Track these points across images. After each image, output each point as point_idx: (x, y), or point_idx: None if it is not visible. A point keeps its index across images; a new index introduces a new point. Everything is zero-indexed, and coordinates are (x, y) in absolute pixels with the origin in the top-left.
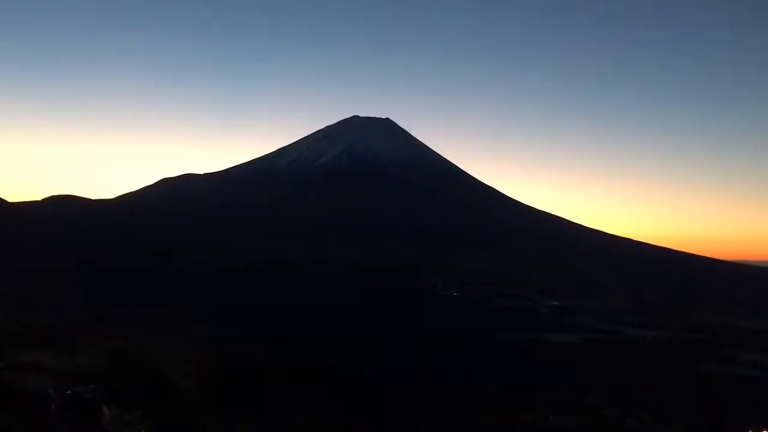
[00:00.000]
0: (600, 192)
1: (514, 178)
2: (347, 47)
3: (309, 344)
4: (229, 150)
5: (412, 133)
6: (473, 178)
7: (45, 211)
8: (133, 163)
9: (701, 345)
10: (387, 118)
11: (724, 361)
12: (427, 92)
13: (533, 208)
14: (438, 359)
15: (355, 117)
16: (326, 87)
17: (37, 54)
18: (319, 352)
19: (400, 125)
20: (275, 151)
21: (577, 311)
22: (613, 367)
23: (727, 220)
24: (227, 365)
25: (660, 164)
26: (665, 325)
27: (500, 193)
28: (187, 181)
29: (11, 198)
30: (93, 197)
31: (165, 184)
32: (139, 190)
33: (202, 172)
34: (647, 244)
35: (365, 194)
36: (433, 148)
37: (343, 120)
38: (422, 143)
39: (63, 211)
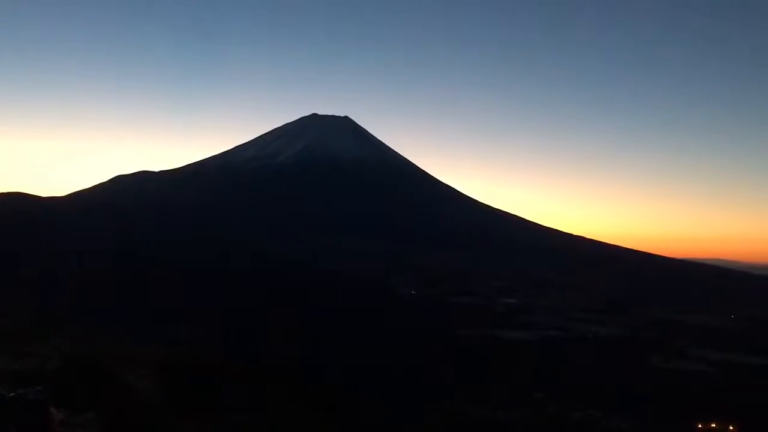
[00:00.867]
0: (557, 191)
1: (472, 176)
2: (306, 45)
3: (269, 343)
4: (186, 148)
5: (371, 132)
6: (431, 176)
7: None
8: (85, 160)
9: (652, 341)
10: (346, 117)
11: (675, 356)
12: (385, 91)
13: (491, 207)
14: (395, 358)
15: (314, 115)
16: (285, 85)
17: None
18: (279, 352)
19: (359, 123)
20: (233, 149)
21: (532, 309)
22: (566, 364)
23: (678, 220)
24: (184, 365)
25: (613, 163)
26: (618, 322)
27: (458, 191)
28: (143, 178)
29: None
30: (43, 195)
31: (119, 181)
32: (92, 187)
33: (158, 170)
34: (602, 242)
35: (324, 192)
36: (392, 147)
37: (302, 118)
38: (381, 141)
39: (12, 209)
